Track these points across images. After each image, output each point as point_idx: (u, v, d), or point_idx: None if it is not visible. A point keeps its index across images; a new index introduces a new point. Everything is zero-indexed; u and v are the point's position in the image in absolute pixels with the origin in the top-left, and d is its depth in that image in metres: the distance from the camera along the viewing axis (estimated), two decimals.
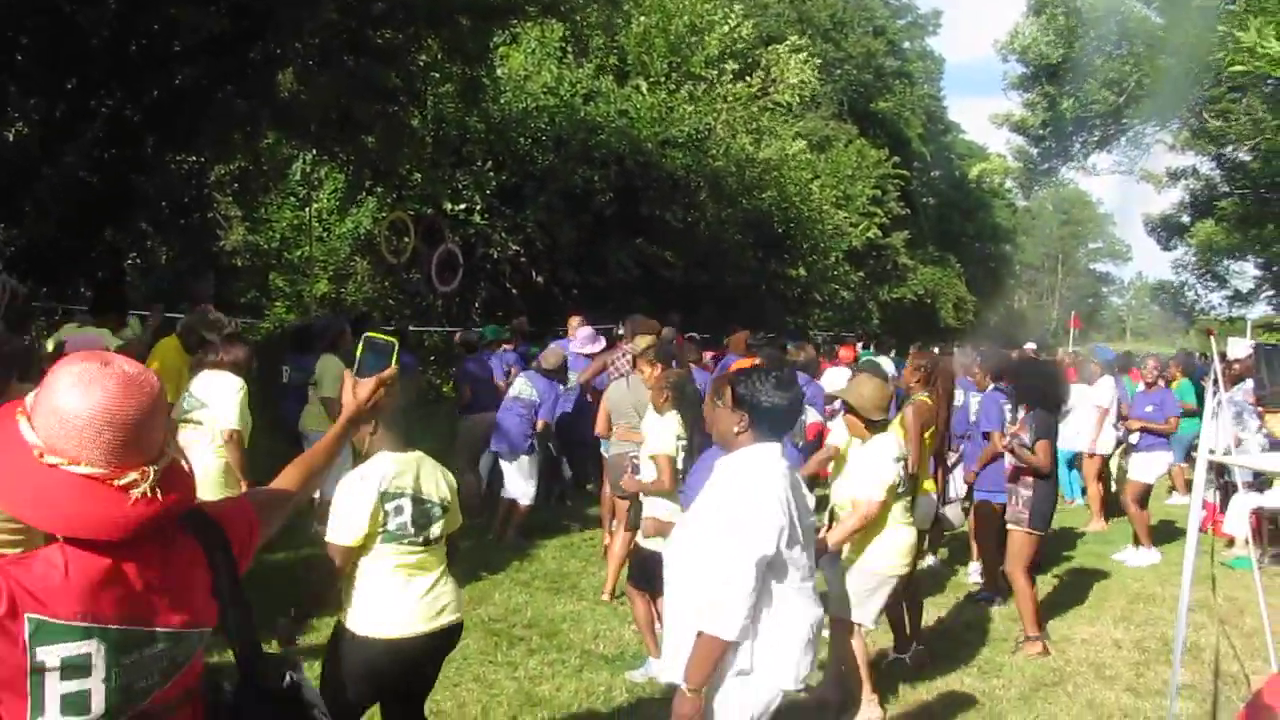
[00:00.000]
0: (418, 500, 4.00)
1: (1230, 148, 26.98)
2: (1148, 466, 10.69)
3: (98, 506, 1.83)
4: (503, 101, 17.93)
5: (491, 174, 17.39)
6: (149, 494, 1.87)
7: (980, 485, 8.65)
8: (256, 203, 17.35)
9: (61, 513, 1.82)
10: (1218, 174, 31.66)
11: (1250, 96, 20.81)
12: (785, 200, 23.95)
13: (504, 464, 9.64)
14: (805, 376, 9.23)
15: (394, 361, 2.60)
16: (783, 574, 3.39)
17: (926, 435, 6.97)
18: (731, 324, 13.94)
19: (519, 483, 9.55)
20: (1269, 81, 18.00)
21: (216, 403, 6.46)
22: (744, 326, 12.18)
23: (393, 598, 3.93)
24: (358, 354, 2.56)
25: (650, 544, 5.98)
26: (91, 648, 1.84)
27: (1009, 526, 7.39)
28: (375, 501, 3.87)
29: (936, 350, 13.46)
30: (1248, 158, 27.67)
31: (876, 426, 5.57)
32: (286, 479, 2.51)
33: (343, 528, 3.87)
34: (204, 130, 11.54)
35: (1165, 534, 11.31)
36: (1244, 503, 9.65)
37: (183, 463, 2.02)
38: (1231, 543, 10.53)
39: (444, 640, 4.18)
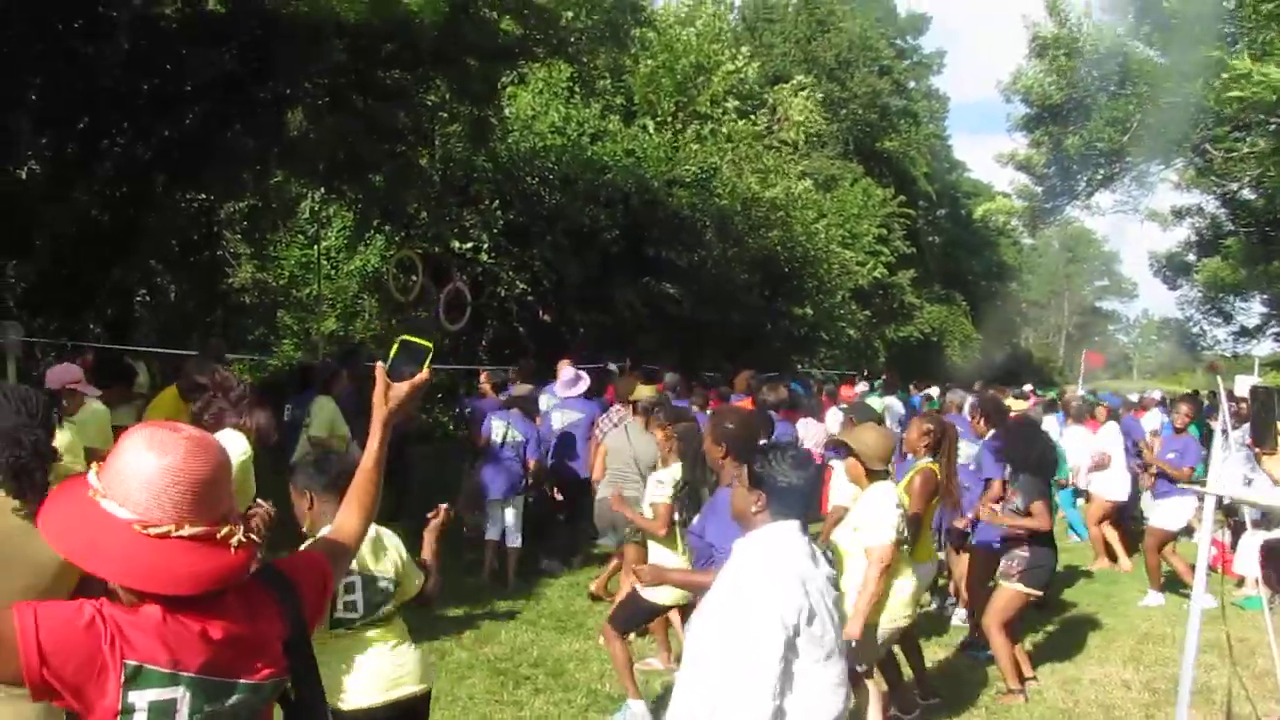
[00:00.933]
0: (369, 580, 3.88)
1: (1235, 185, 27.07)
2: (1170, 514, 10.54)
3: (211, 561, 1.94)
4: (510, 141, 18.04)
5: (499, 213, 17.45)
6: (244, 541, 1.99)
7: (980, 532, 8.45)
8: (265, 241, 17.45)
9: (181, 575, 1.91)
10: (1223, 212, 31.74)
11: (1254, 133, 20.89)
12: (791, 239, 24.01)
13: (498, 510, 9.50)
14: (778, 417, 9.17)
15: (427, 366, 2.59)
16: (804, 654, 3.30)
17: (932, 503, 6.88)
18: (736, 363, 13.96)
19: (515, 528, 9.45)
20: (1273, 119, 18.08)
21: None
22: (750, 365, 12.22)
23: (346, 671, 3.82)
24: (392, 354, 2.57)
25: (647, 593, 5.93)
26: (178, 694, 1.92)
27: (1000, 582, 7.28)
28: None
29: (955, 392, 13.29)
30: (1252, 195, 27.77)
31: (877, 475, 5.56)
32: (346, 524, 2.55)
33: None
34: (213, 169, 11.63)
35: (1169, 573, 11.27)
36: (1254, 541, 9.59)
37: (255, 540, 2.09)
38: (1241, 582, 10.46)
39: (409, 712, 4.02)
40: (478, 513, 9.90)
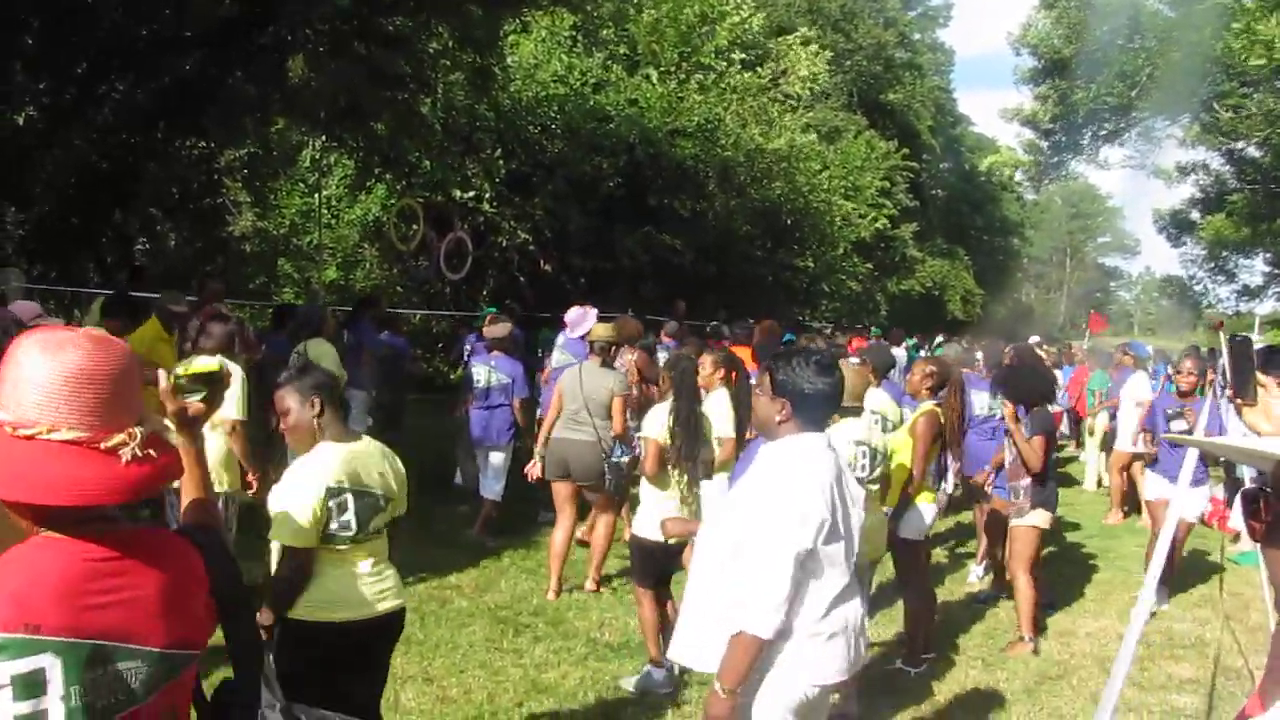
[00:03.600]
0: (360, 494, 3.85)
1: (1241, 143, 26.92)
2: (1193, 502, 10.46)
3: (87, 470, 1.70)
4: (512, 89, 17.91)
5: (501, 162, 17.37)
6: (139, 455, 1.74)
7: (998, 483, 8.50)
8: (266, 189, 17.39)
9: (47, 482, 1.67)
10: (1228, 169, 31.59)
11: (1263, 91, 20.75)
12: (794, 191, 23.89)
13: (482, 460, 9.40)
14: None
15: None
16: (821, 569, 3.26)
17: (934, 446, 6.88)
18: (736, 312, 13.89)
19: (494, 479, 9.33)
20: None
21: None
22: (751, 316, 12.16)
23: (333, 584, 3.82)
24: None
25: (652, 534, 5.78)
26: (44, 663, 1.63)
27: (1012, 523, 7.32)
28: (320, 499, 3.73)
29: (951, 346, 13.28)
30: (1258, 153, 27.61)
31: (847, 412, 5.48)
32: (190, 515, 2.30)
33: (300, 531, 3.71)
34: (213, 116, 11.55)
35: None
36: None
37: (170, 436, 1.91)
38: (1237, 538, 10.49)
39: (387, 626, 4.05)
40: (473, 464, 9.89)
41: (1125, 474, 12.20)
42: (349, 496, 3.81)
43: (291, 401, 3.96)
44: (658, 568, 6.04)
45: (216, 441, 6.31)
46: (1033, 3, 28.58)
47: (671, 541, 5.55)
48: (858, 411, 5.70)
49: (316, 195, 16.81)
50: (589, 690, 5.86)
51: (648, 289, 18.31)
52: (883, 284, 35.73)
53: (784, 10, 33.70)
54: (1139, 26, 24.48)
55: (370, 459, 3.97)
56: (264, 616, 3.75)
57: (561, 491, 7.70)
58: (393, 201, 17.25)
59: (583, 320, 10.17)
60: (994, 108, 35.36)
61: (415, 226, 16.12)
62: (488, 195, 17.17)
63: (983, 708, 6.10)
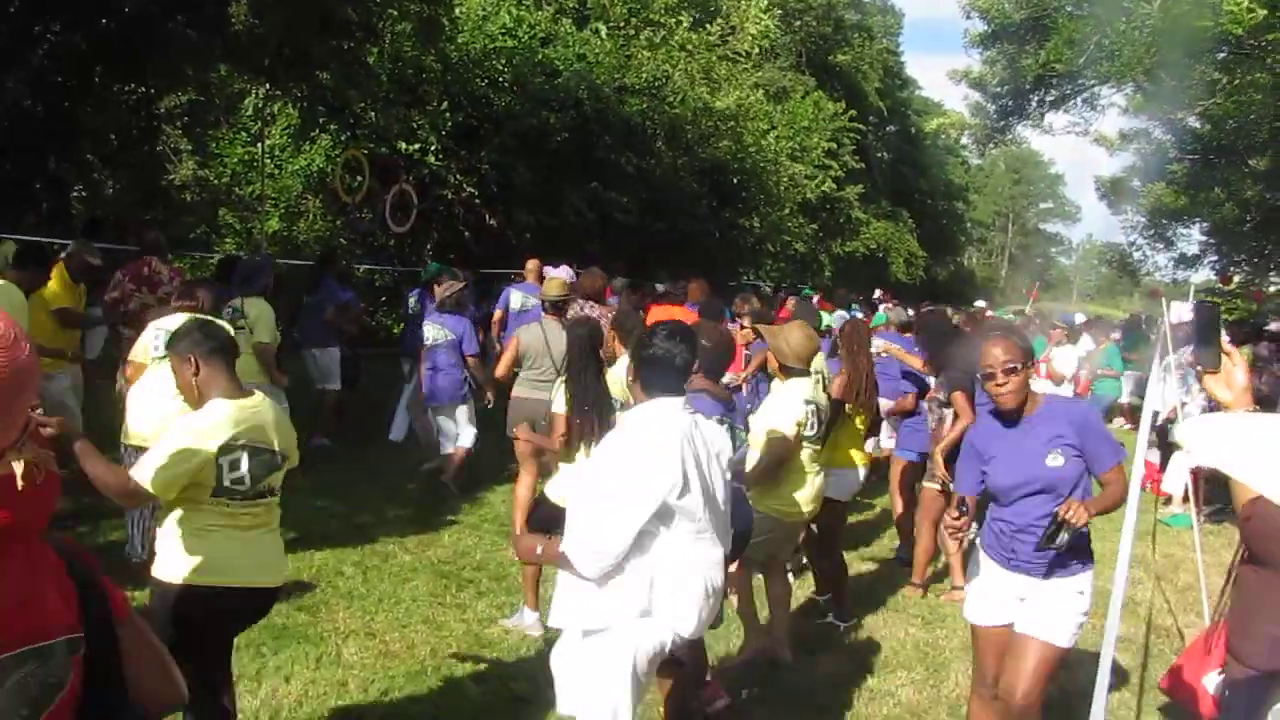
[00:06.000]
0: (256, 450, 3.78)
1: (1181, 113, 27.25)
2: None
3: None
4: (460, 41, 17.68)
5: (447, 114, 17.17)
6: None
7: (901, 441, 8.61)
8: (207, 137, 17.08)
9: None
10: (1169, 138, 31.97)
11: (1204, 62, 20.99)
12: (741, 151, 23.87)
13: (441, 418, 9.32)
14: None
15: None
16: (674, 523, 3.47)
17: (848, 408, 6.98)
18: (680, 270, 13.81)
19: (464, 428, 9.29)
20: (1224, 46, 18.15)
21: None
22: (697, 275, 12.13)
23: (218, 548, 3.74)
24: None
25: (555, 495, 5.70)
26: None
27: (925, 484, 7.56)
28: (209, 458, 3.65)
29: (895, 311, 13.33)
30: (1197, 123, 27.97)
31: (795, 373, 5.72)
32: None
33: (159, 477, 3.58)
34: (152, 61, 11.30)
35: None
36: (1184, 462, 9.83)
37: (53, 469, 1.68)
38: (1169, 500, 10.74)
39: (263, 600, 3.99)
40: (424, 419, 9.84)
41: None
42: (243, 453, 3.75)
43: (173, 363, 3.92)
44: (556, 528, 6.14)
45: (178, 404, 6.20)
46: None
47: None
48: (805, 373, 5.77)
49: (259, 145, 16.52)
50: (531, 645, 5.88)
51: (593, 245, 18.22)
52: (827, 245, 35.89)
53: None
54: None
55: (265, 414, 3.92)
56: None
57: (524, 448, 7.60)
58: (337, 153, 17.01)
59: (565, 276, 10.16)
60: (942, 71, 35.33)
61: (360, 178, 15.92)
62: (434, 148, 16.98)
63: (921, 665, 6.19)
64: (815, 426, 5.72)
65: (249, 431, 3.78)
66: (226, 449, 3.70)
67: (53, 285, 7.83)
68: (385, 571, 6.99)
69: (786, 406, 5.59)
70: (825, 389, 6.28)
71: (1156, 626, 6.71)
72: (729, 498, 3.81)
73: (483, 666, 5.57)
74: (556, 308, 8.15)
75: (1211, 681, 3.73)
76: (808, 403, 5.65)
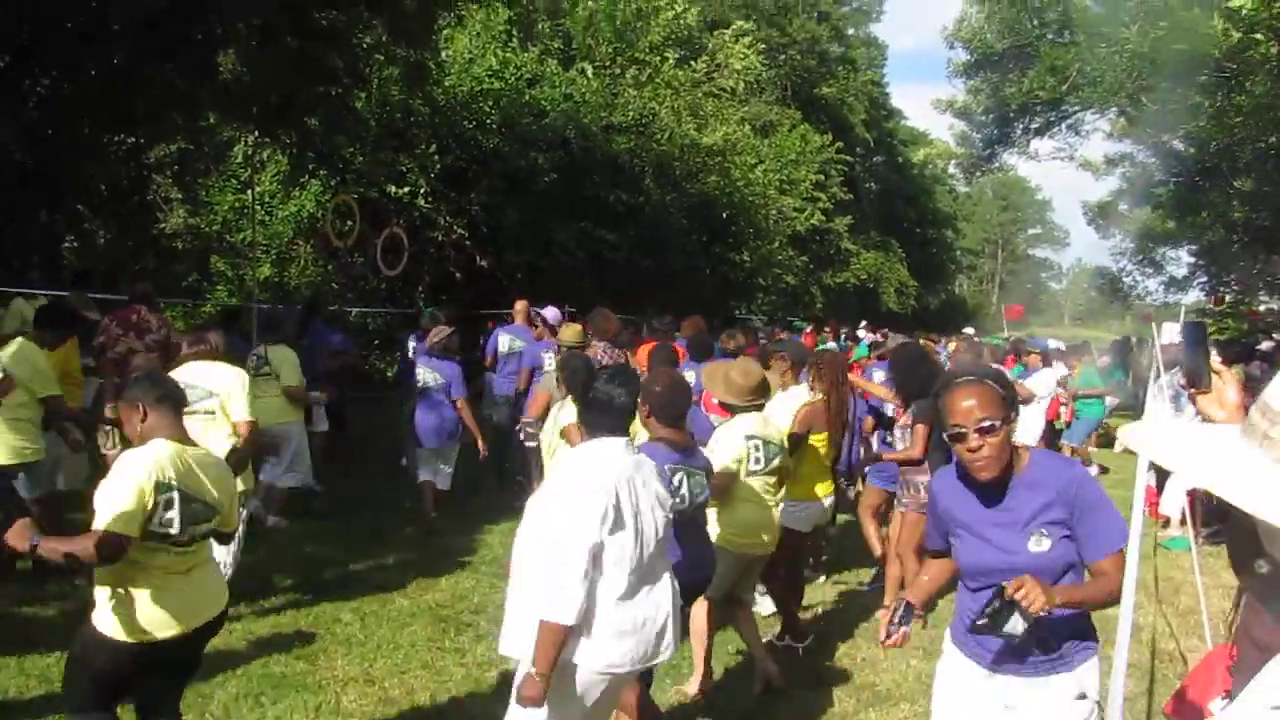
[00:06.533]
0: (188, 497, 3.75)
1: (1166, 136, 27.41)
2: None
3: None
4: (447, 84, 17.80)
5: (436, 157, 17.25)
6: None
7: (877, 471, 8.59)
8: (197, 185, 17.11)
9: None
10: (1154, 161, 32.14)
11: (1186, 85, 21.15)
12: (729, 185, 24.01)
13: (429, 458, 9.44)
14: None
15: None
16: (608, 561, 3.60)
17: (815, 439, 7.01)
18: (671, 307, 13.83)
19: (444, 471, 9.45)
20: (1204, 70, 18.29)
21: (227, 395, 6.37)
22: (688, 311, 12.14)
23: (152, 599, 3.72)
24: None
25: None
26: None
27: (900, 510, 7.49)
28: (149, 488, 3.63)
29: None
30: (1181, 146, 28.12)
31: (740, 409, 5.86)
32: None
33: (124, 515, 3.57)
34: (141, 110, 11.36)
35: None
36: (1180, 484, 9.82)
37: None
38: (1167, 524, 10.72)
39: (206, 632, 4.00)
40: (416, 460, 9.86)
41: None
42: (175, 495, 3.72)
43: (122, 411, 3.93)
44: None
45: (226, 443, 6.22)
46: None
47: None
48: (754, 408, 5.91)
49: (249, 191, 16.56)
50: None
51: (584, 284, 18.25)
52: (818, 277, 36.01)
53: (718, 5, 33.82)
54: (1069, 21, 24.86)
55: (206, 468, 3.93)
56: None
57: None
58: (327, 198, 17.06)
59: (554, 318, 10.19)
60: (926, 100, 35.59)
61: (351, 222, 15.96)
62: (423, 190, 17.05)
63: (925, 696, 6.16)
64: (761, 461, 5.81)
65: (184, 476, 3.77)
66: (162, 487, 3.68)
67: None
68: (383, 617, 6.96)
69: (726, 443, 5.74)
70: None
71: (1160, 651, 6.69)
72: (668, 536, 3.96)
73: (484, 712, 5.53)
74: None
75: (1217, 706, 3.71)
76: (749, 438, 5.76)
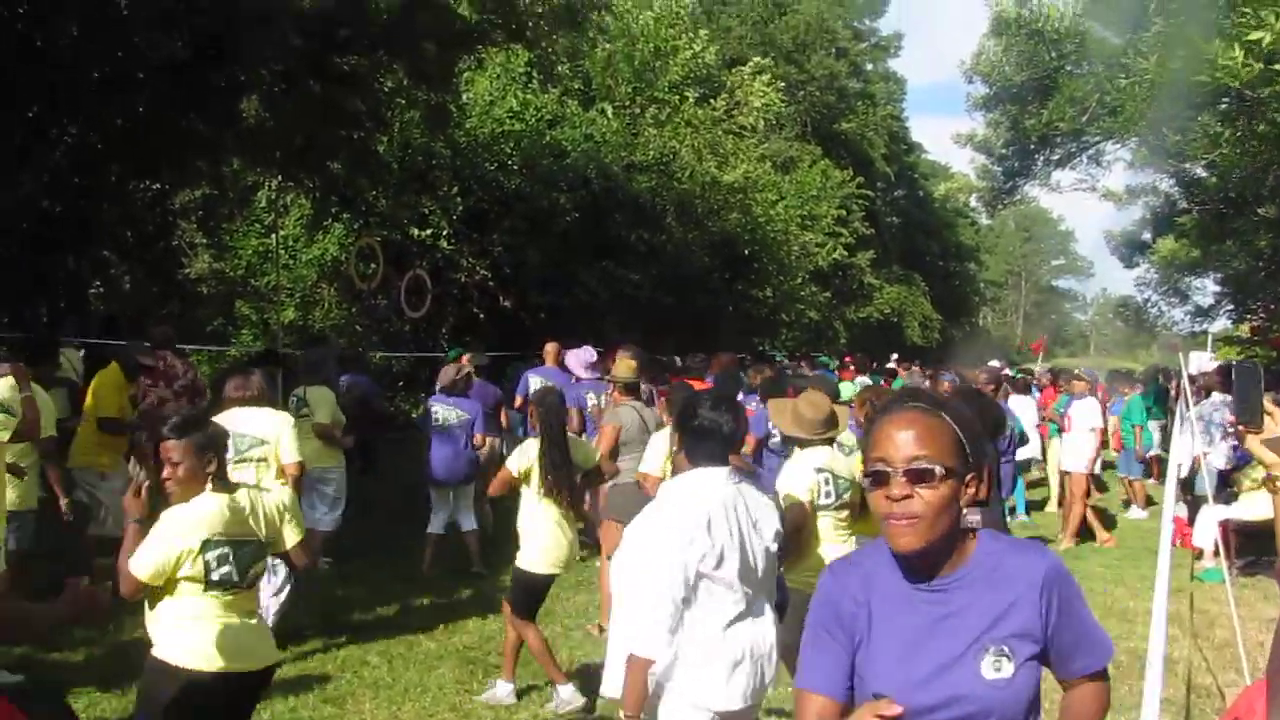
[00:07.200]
0: (240, 544, 3.82)
1: (1188, 164, 27.30)
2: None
3: None
4: (468, 127, 17.93)
5: (458, 199, 17.37)
6: None
7: None
8: (221, 230, 17.25)
9: None
10: (1176, 190, 32.00)
11: (1206, 114, 21.08)
12: (751, 222, 24.04)
13: (445, 495, 9.46)
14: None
15: None
16: (710, 595, 3.49)
17: None
18: (695, 345, 13.85)
19: (464, 514, 9.42)
20: (1225, 98, 18.22)
21: (277, 440, 6.45)
22: (711, 348, 12.14)
23: (217, 633, 3.78)
24: None
25: (537, 568, 6.08)
26: None
27: None
28: (194, 549, 3.69)
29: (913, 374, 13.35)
30: (1204, 174, 27.98)
31: (809, 443, 5.59)
32: None
33: (148, 563, 3.66)
34: (166, 156, 11.46)
35: (1127, 547, 11.41)
36: (1212, 515, 9.69)
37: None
38: (1200, 555, 10.57)
39: (261, 681, 4.05)
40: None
41: (1085, 499, 12.21)
42: (228, 549, 3.77)
43: (184, 455, 3.86)
44: (538, 601, 6.28)
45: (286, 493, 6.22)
46: (982, 30, 28.90)
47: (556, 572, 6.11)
48: (825, 441, 5.67)
49: (273, 235, 16.69)
50: None
51: (607, 324, 18.27)
52: (841, 312, 35.97)
53: (736, 43, 34.04)
54: (1087, 53, 24.84)
55: (246, 504, 3.94)
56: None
57: (618, 535, 7.38)
58: (350, 240, 17.16)
59: (588, 358, 10.13)
60: (946, 133, 35.58)
61: (374, 265, 16.04)
62: (445, 232, 17.16)
63: None
64: (832, 495, 5.57)
65: (231, 525, 3.80)
66: (212, 544, 3.72)
67: (110, 381, 7.91)
68: (411, 660, 6.92)
69: (795, 476, 5.52)
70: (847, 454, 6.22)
71: (1196, 685, 6.58)
72: (772, 568, 3.82)
73: None
74: (630, 390, 8.14)
75: None
76: (819, 471, 5.52)
